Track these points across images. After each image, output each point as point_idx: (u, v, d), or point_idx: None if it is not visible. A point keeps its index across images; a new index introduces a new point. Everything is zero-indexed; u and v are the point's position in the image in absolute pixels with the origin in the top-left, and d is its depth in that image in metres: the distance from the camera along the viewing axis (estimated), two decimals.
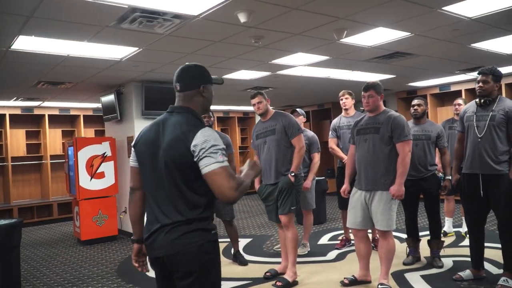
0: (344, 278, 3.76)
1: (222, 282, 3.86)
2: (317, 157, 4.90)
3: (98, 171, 6.26)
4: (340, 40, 4.46)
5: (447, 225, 5.38)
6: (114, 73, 5.65)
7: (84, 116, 9.15)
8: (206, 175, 1.68)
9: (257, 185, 4.08)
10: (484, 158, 3.40)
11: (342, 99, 4.84)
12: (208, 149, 1.68)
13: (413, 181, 4.05)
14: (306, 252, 4.90)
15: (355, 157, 3.67)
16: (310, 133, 5.06)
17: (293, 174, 3.81)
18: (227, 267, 4.50)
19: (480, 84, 3.48)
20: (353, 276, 3.75)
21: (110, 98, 6.74)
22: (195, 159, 1.69)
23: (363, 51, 5.13)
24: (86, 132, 9.22)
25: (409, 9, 3.70)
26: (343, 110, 4.90)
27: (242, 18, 3.53)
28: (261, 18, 3.69)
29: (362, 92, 3.58)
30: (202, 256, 1.74)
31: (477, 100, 3.54)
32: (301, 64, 5.76)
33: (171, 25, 3.75)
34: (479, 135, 3.44)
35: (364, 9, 3.63)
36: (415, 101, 4.41)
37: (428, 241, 4.27)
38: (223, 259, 4.83)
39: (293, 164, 3.83)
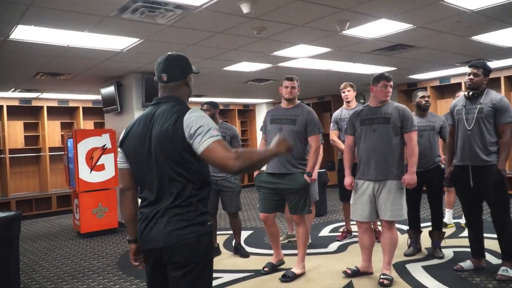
0: (347, 268, 3.78)
1: (224, 274, 3.94)
2: (319, 150, 4.84)
3: (98, 163, 6.24)
4: (343, 31, 4.45)
5: (447, 216, 5.42)
6: (115, 64, 5.62)
7: (83, 108, 9.11)
8: (203, 154, 1.67)
9: (257, 172, 3.93)
10: (474, 149, 3.48)
11: (344, 91, 4.83)
12: (200, 127, 1.68)
13: (418, 173, 4.06)
14: (307, 244, 4.90)
15: (353, 148, 3.71)
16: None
17: (310, 174, 3.74)
18: (228, 259, 4.52)
19: (471, 76, 3.55)
20: (356, 267, 3.78)
21: (110, 89, 6.71)
22: (189, 141, 1.69)
23: (365, 43, 5.12)
24: (86, 124, 9.19)
25: (412, 1, 3.68)
26: (344, 103, 4.90)
27: (245, 8, 3.50)
28: (264, 9, 3.66)
29: (383, 81, 3.55)
30: (200, 247, 1.74)
31: (466, 93, 3.62)
32: (303, 56, 5.74)
33: (173, 15, 3.73)
34: (468, 128, 3.52)
35: (367, 0, 3.61)
36: (423, 93, 4.39)
37: (430, 232, 4.29)
38: (224, 251, 4.85)
39: (309, 164, 3.75)
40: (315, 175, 4.69)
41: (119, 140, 1.94)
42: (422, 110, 4.34)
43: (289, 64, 6.18)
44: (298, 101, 3.91)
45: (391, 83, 3.59)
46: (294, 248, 4.54)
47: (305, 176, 3.71)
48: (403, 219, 3.51)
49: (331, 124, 4.96)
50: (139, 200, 1.90)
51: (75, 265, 4.70)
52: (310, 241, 4.96)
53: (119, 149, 1.94)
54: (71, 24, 3.85)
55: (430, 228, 4.30)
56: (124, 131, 1.93)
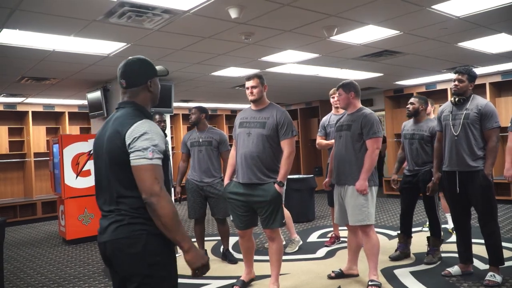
0: (332, 271, 3.84)
1: (212, 281, 3.88)
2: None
3: (84, 169, 6.15)
4: (330, 37, 4.47)
5: (450, 221, 5.34)
6: (101, 69, 5.56)
7: (69, 113, 8.99)
8: (133, 168, 1.62)
9: (226, 181, 3.59)
10: (461, 155, 3.51)
11: (333, 97, 4.83)
12: (140, 142, 1.62)
13: (410, 176, 4.19)
14: (297, 248, 4.89)
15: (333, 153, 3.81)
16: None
17: (281, 184, 3.33)
18: (217, 266, 4.47)
19: (456, 82, 3.59)
20: (340, 269, 3.83)
21: (96, 94, 6.63)
22: (128, 150, 1.63)
23: (352, 49, 5.15)
24: (71, 129, 9.07)
25: (399, 7, 3.72)
26: (333, 108, 4.91)
27: (233, 13, 3.50)
28: (252, 14, 3.66)
29: (334, 92, 3.69)
30: (146, 257, 1.66)
31: (452, 99, 3.66)
32: (291, 62, 5.75)
33: (161, 20, 3.70)
34: (455, 133, 3.55)
35: (354, 6, 3.63)
36: (410, 100, 4.42)
37: (427, 237, 4.30)
38: (212, 257, 4.80)
39: (281, 172, 3.33)
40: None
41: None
42: (407, 116, 4.37)
43: (277, 70, 6.19)
44: (268, 102, 3.54)
45: (338, 91, 3.67)
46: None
47: (276, 186, 3.31)
48: (368, 224, 3.47)
49: (319, 129, 4.97)
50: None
51: (60, 272, 4.61)
52: (300, 243, 4.95)
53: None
54: (57, 28, 3.80)
55: (421, 234, 4.31)
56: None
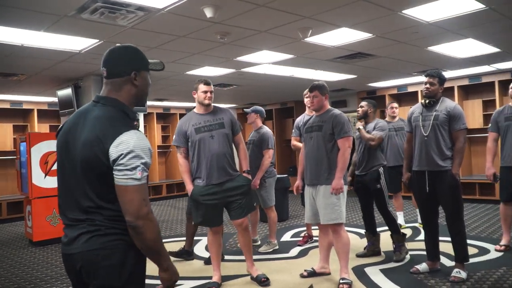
0: (304, 270, 3.90)
1: (184, 281, 3.85)
2: (266, 155, 4.77)
3: (53, 168, 5.98)
4: (305, 39, 4.51)
5: (400, 218, 5.70)
6: (72, 65, 5.43)
7: (38, 110, 8.73)
8: (119, 187, 1.46)
9: (190, 187, 3.63)
10: (431, 155, 3.62)
11: (308, 97, 4.88)
12: (128, 160, 1.44)
13: (360, 176, 4.34)
14: (272, 249, 4.91)
15: (304, 154, 3.85)
16: (264, 129, 4.94)
17: (249, 172, 3.77)
18: (183, 265, 4.45)
19: (427, 85, 3.70)
20: (312, 268, 3.89)
21: (67, 92, 6.48)
22: (113, 166, 1.46)
23: (326, 51, 5.22)
24: (40, 127, 8.81)
25: (371, 11, 3.79)
26: (307, 109, 4.95)
27: (208, 13, 3.49)
28: (227, 14, 3.66)
29: (308, 93, 3.71)
30: (123, 269, 1.54)
31: (423, 101, 3.77)
32: (266, 62, 5.78)
33: (135, 17, 3.65)
34: (425, 134, 3.66)
35: (329, 9, 3.68)
36: (360, 103, 4.60)
37: (390, 235, 4.40)
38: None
39: (244, 163, 3.78)
40: (257, 182, 4.64)
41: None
42: (359, 119, 4.53)
43: (252, 70, 6.20)
44: (212, 104, 3.76)
45: (314, 93, 3.68)
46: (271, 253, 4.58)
47: (245, 174, 3.72)
48: (339, 223, 3.55)
49: (293, 130, 5.01)
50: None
51: (26, 275, 4.47)
52: (276, 247, 4.99)
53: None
54: (25, 23, 3.69)
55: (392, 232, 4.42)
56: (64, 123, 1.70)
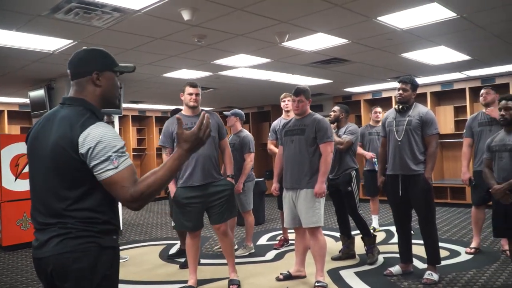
0: (280, 273, 3.90)
1: (159, 286, 3.80)
2: (248, 158, 4.79)
3: (24, 171, 5.83)
4: (282, 43, 4.55)
5: (374, 222, 5.81)
6: (45, 66, 5.31)
7: (8, 111, 8.51)
8: (103, 182, 1.47)
9: (173, 188, 3.65)
10: (404, 159, 3.69)
11: (284, 101, 4.90)
12: (98, 153, 1.44)
13: (333, 180, 4.38)
14: (248, 253, 4.91)
15: (283, 157, 3.82)
16: (244, 133, 4.96)
17: (233, 176, 3.78)
18: (164, 270, 4.39)
19: (400, 91, 3.78)
20: (288, 271, 3.90)
21: (39, 93, 6.32)
22: (87, 162, 1.46)
23: (303, 56, 5.27)
24: (11, 129, 8.58)
25: (347, 17, 3.86)
26: (283, 112, 4.97)
27: (185, 15, 3.48)
28: (205, 17, 3.66)
29: (292, 96, 3.72)
30: (95, 272, 1.52)
31: (396, 106, 3.86)
32: (243, 66, 5.79)
33: (110, 18, 3.61)
34: (398, 139, 3.74)
35: (305, 14, 3.72)
36: (333, 108, 4.67)
37: (361, 237, 4.47)
38: (157, 261, 4.71)
39: (229, 167, 3.76)
40: (240, 186, 4.67)
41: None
42: (331, 123, 4.53)
43: (229, 73, 6.20)
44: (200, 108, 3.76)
45: (300, 97, 3.65)
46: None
47: (229, 179, 3.70)
48: (318, 226, 3.59)
49: (269, 134, 5.02)
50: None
51: None
52: (252, 251, 4.99)
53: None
54: None
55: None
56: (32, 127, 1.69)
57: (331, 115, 4.58)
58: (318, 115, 3.71)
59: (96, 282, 1.51)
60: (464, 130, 4.74)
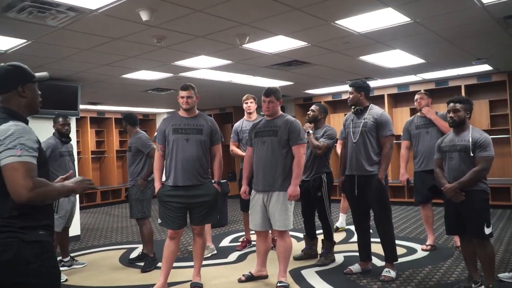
0: (242, 275, 3.90)
1: None
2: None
3: None
4: (242, 45, 4.56)
5: (340, 220, 5.90)
6: None
7: None
8: (2, 169, 1.58)
9: (157, 184, 3.68)
10: (360, 160, 3.81)
11: (247, 103, 4.92)
12: (7, 142, 1.59)
13: (305, 181, 4.39)
14: (210, 254, 4.88)
15: (252, 159, 3.78)
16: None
17: (219, 183, 3.75)
18: (124, 275, 4.30)
19: (348, 95, 3.97)
20: (249, 272, 3.91)
21: None
22: None
23: (264, 58, 5.31)
24: None
25: (306, 21, 3.92)
26: (246, 114, 4.99)
27: (144, 16, 3.42)
28: (164, 17, 3.62)
29: (263, 97, 3.72)
30: (19, 265, 1.62)
31: (352, 109, 3.98)
32: (204, 67, 5.76)
33: (66, 17, 3.50)
34: (354, 140, 3.85)
35: (265, 16, 3.76)
36: (311, 107, 4.66)
37: (322, 240, 4.53)
38: (118, 265, 4.61)
39: (216, 173, 3.74)
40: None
41: None
42: (309, 122, 4.59)
43: (190, 75, 6.15)
44: (198, 111, 3.80)
45: (270, 98, 3.67)
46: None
47: (215, 185, 3.69)
48: (290, 229, 3.65)
49: (232, 135, 5.02)
50: None
51: None
52: (215, 252, 4.98)
53: None
54: None
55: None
56: None
57: (309, 114, 4.55)
58: (290, 117, 3.73)
59: (22, 274, 1.61)
60: (402, 133, 4.91)
